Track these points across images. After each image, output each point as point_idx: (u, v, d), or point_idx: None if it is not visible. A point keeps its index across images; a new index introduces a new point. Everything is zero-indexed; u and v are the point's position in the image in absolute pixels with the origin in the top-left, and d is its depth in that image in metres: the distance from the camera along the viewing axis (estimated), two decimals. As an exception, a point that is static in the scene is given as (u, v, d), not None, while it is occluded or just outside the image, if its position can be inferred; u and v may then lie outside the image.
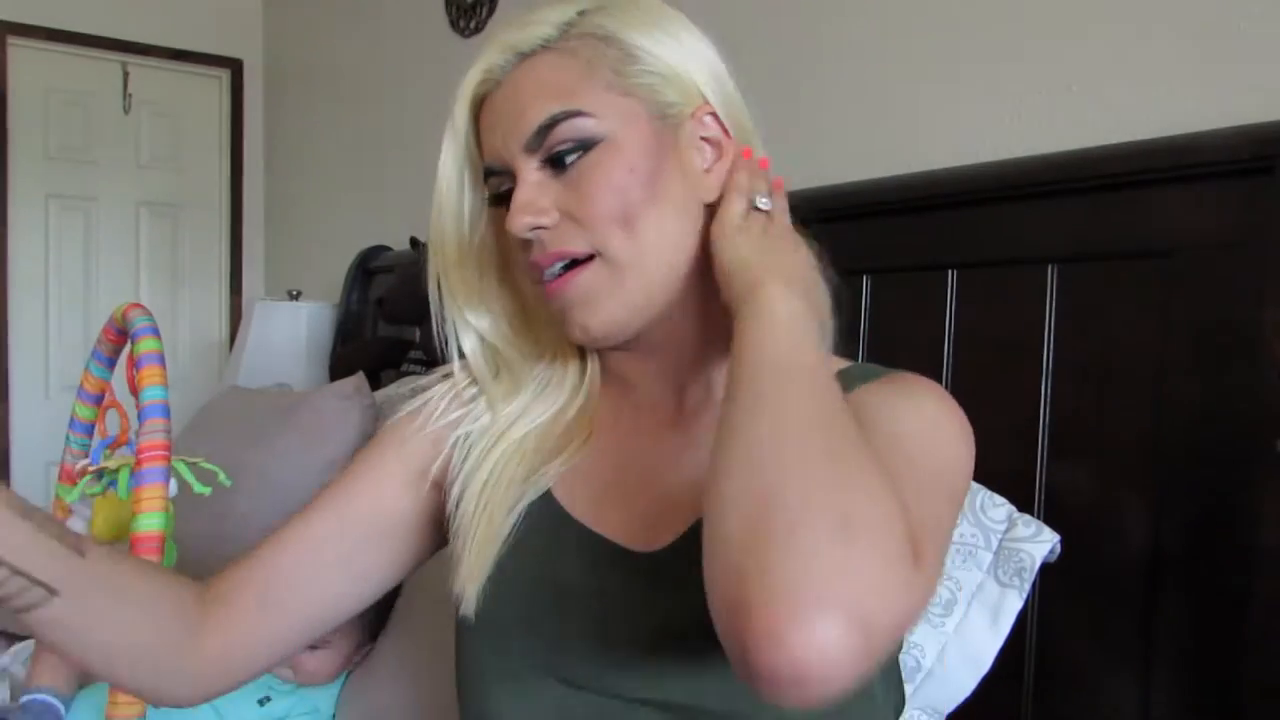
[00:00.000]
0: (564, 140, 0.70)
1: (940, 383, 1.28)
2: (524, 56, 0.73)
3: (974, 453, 0.71)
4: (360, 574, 0.81)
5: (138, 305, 1.00)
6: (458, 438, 0.80)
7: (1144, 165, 1.09)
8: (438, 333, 0.80)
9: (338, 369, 2.48)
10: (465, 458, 0.79)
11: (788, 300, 0.63)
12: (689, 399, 0.78)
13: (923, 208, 1.32)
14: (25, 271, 3.29)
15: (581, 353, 0.82)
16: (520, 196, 0.70)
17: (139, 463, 0.93)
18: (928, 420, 0.69)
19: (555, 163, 0.71)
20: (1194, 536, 1.05)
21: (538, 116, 0.70)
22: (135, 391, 0.98)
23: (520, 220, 0.70)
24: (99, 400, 1.19)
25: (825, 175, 1.49)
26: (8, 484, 2.74)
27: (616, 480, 0.77)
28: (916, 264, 1.33)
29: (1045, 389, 1.19)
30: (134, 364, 0.98)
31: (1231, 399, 1.02)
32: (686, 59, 0.74)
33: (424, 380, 0.86)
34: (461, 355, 0.81)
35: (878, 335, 1.38)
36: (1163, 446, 1.08)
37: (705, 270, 0.73)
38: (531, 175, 0.71)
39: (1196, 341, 1.05)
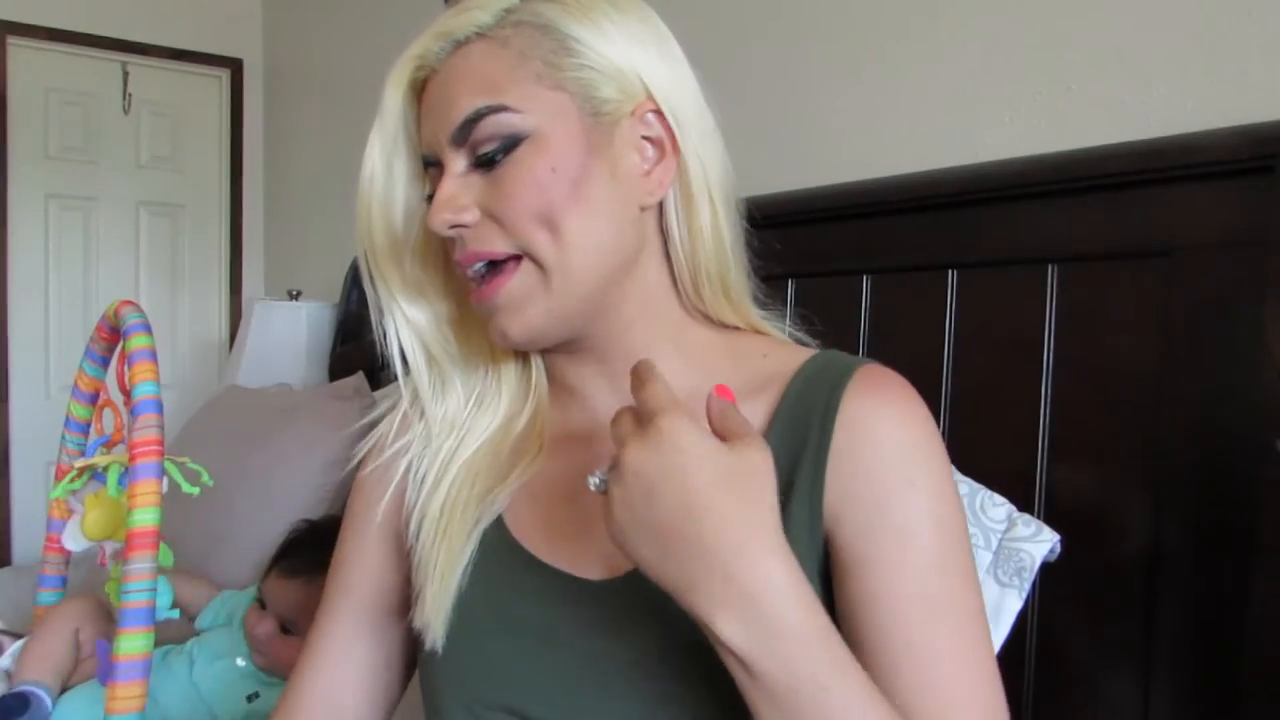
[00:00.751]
0: (489, 137, 0.67)
1: (940, 383, 1.30)
2: (458, 44, 0.69)
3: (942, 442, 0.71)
4: (399, 642, 0.81)
5: (129, 302, 1.00)
6: (409, 464, 0.78)
7: (1144, 165, 1.09)
8: (378, 333, 0.78)
9: (338, 369, 2.48)
10: (420, 486, 0.76)
11: (745, 639, 0.53)
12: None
13: (923, 208, 1.32)
14: (25, 271, 3.29)
15: (523, 361, 0.78)
16: (441, 193, 0.68)
17: (133, 458, 0.93)
18: (936, 494, 0.67)
19: (481, 162, 0.68)
20: (1194, 536, 1.05)
21: (463, 110, 0.67)
22: (124, 389, 0.98)
23: (439, 217, 0.67)
24: (94, 399, 1.19)
25: (825, 175, 1.49)
26: (8, 484, 2.74)
27: (567, 503, 0.73)
28: (916, 264, 1.33)
29: (1045, 389, 1.19)
30: (125, 360, 0.98)
31: (1231, 399, 1.02)
32: (631, 52, 0.69)
33: (373, 415, 0.83)
34: (408, 371, 0.78)
35: (878, 335, 1.38)
36: (1163, 446, 1.07)
37: (641, 273, 0.71)
38: (457, 170, 0.68)
39: (1196, 342, 1.05)
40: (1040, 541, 1.07)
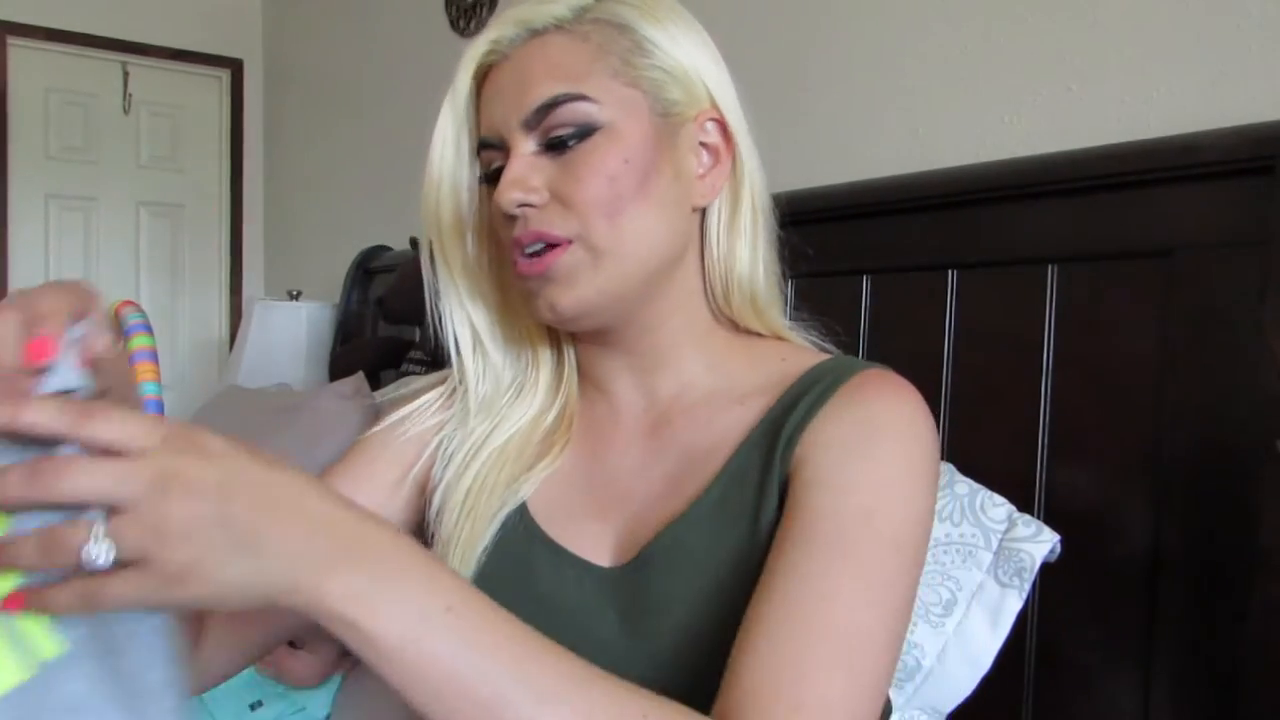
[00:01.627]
0: (564, 123, 0.69)
1: (940, 383, 1.30)
2: (535, 33, 0.72)
3: (938, 464, 0.71)
4: None
5: (130, 302, 0.99)
6: (440, 441, 0.80)
7: (1144, 165, 1.09)
8: (432, 315, 0.80)
9: (338, 369, 2.48)
10: (447, 464, 0.78)
11: (358, 605, 0.50)
12: (660, 401, 0.78)
13: (923, 208, 1.32)
14: (25, 271, 3.29)
15: (558, 354, 0.81)
16: (512, 171, 0.69)
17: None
18: (897, 474, 0.67)
19: (553, 145, 0.70)
20: (1194, 536, 1.05)
21: (541, 95, 0.69)
22: (124, 389, 0.97)
23: (510, 195, 0.69)
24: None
25: (825, 175, 1.49)
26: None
27: (589, 492, 0.77)
28: (916, 264, 1.33)
29: (1045, 389, 1.19)
30: (127, 361, 0.97)
31: (1231, 399, 1.02)
32: (697, 59, 0.74)
33: (422, 381, 0.86)
34: (457, 351, 0.80)
35: (878, 335, 1.38)
36: (1163, 446, 1.07)
37: (682, 274, 0.74)
38: (526, 152, 0.70)
39: (1196, 342, 1.05)
40: (1040, 542, 1.07)
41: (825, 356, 0.78)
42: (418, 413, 0.82)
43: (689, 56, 0.73)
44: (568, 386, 0.80)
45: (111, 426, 0.47)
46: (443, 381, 0.84)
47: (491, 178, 0.73)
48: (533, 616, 0.71)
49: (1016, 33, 1.34)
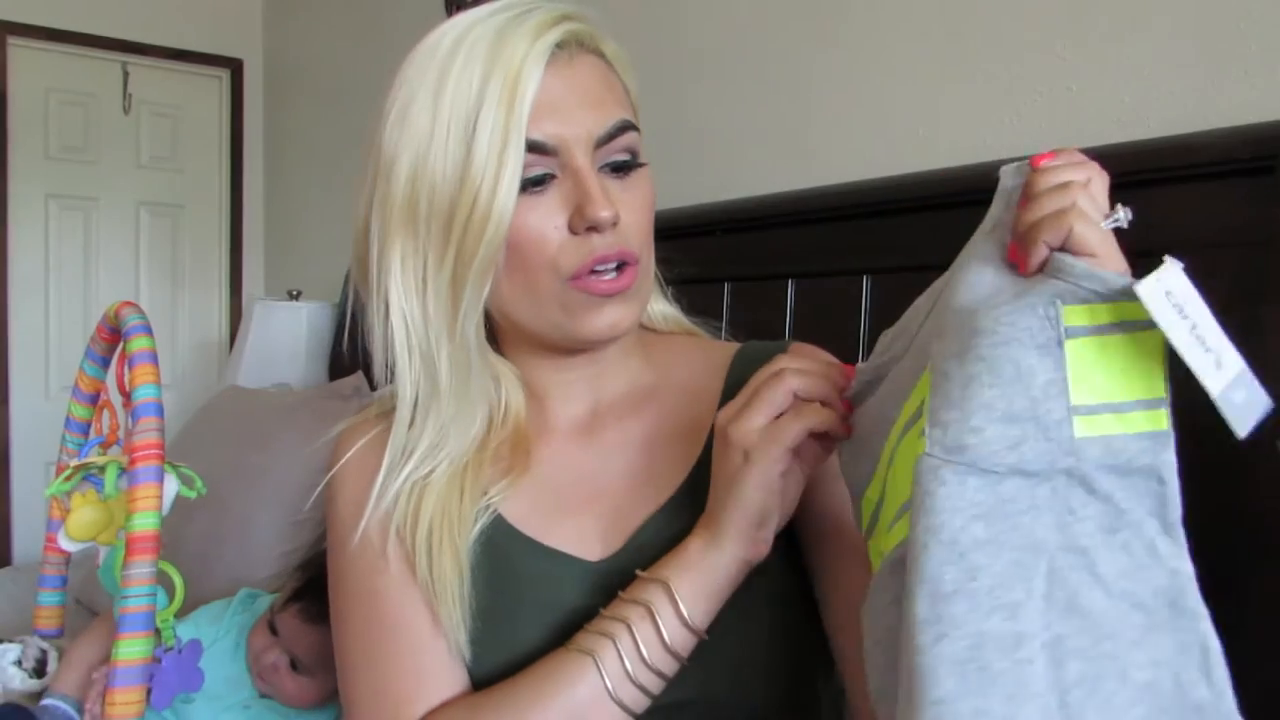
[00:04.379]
0: (625, 148, 0.72)
1: (940, 383, 1.29)
2: (582, 48, 0.72)
3: None
4: None
5: (130, 304, 0.99)
6: (383, 488, 0.75)
7: (1144, 165, 1.09)
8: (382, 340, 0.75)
9: (337, 369, 2.48)
10: (406, 508, 0.75)
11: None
12: (604, 402, 0.80)
13: (923, 208, 1.31)
14: (25, 271, 3.29)
15: (496, 378, 0.78)
16: (597, 186, 0.68)
17: (132, 462, 0.92)
18: None
19: (618, 168, 0.72)
20: (1194, 536, 1.05)
21: (614, 115, 0.70)
22: (123, 390, 0.97)
23: (609, 210, 0.68)
24: (94, 399, 1.19)
25: (825, 175, 1.49)
26: (7, 484, 2.73)
27: (559, 494, 0.77)
28: (916, 264, 1.32)
29: (1045, 389, 1.19)
30: (126, 362, 0.97)
31: (1232, 399, 1.02)
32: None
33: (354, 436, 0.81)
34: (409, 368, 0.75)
35: (878, 335, 1.38)
36: (1163, 447, 1.07)
37: None
38: (590, 168, 0.69)
39: (1196, 342, 1.05)
40: (1040, 542, 1.07)
41: (736, 344, 0.85)
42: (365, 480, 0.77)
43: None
44: (511, 409, 0.78)
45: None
46: (371, 429, 0.80)
47: (531, 185, 0.68)
48: (530, 619, 0.72)
49: (1016, 33, 1.34)
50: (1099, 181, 0.55)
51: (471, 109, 0.67)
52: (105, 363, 1.17)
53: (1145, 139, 1.12)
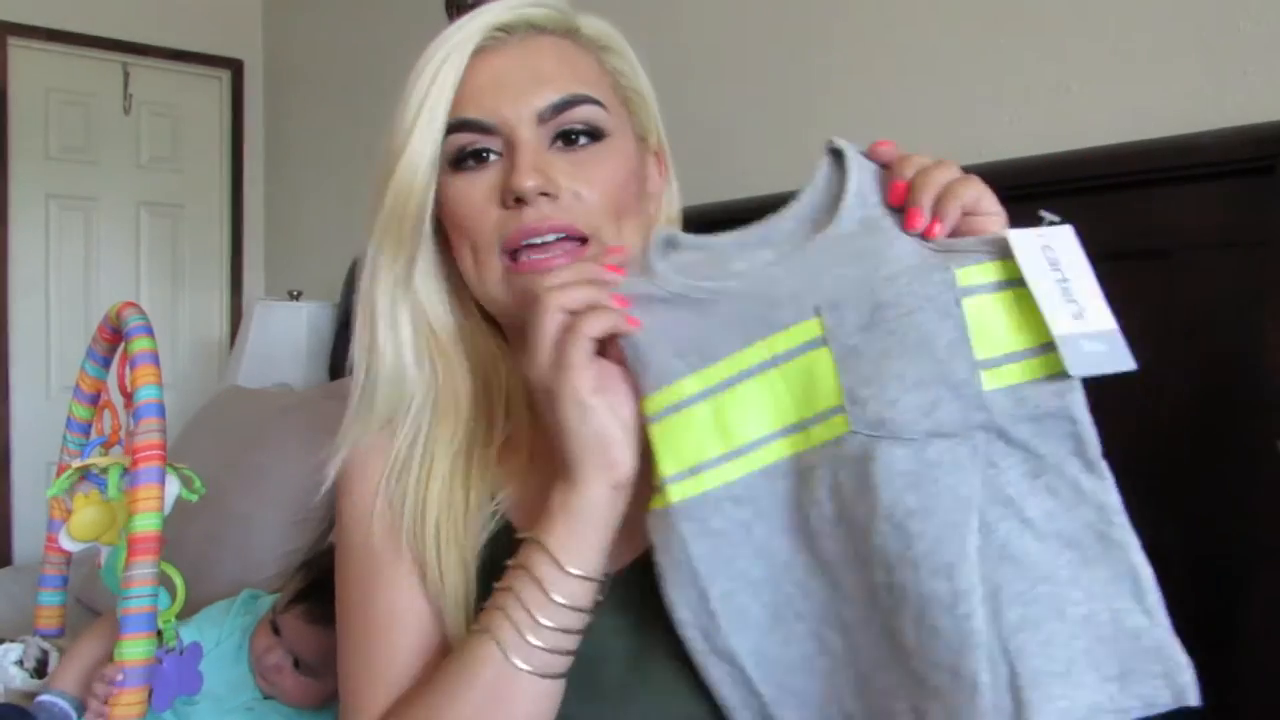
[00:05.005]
0: (579, 121, 0.70)
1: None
2: (537, 30, 0.72)
3: None
4: None
5: (131, 304, 0.99)
6: (384, 487, 0.75)
7: (1144, 165, 1.09)
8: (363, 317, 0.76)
9: (337, 369, 2.48)
10: (410, 509, 0.74)
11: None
12: None
13: (922, 208, 1.31)
14: (25, 271, 3.29)
15: (482, 367, 0.77)
16: (528, 158, 0.68)
17: (134, 463, 0.92)
18: None
19: (565, 138, 0.70)
20: (1194, 537, 1.05)
21: (561, 90, 0.70)
22: (125, 391, 0.97)
23: (532, 180, 0.67)
24: (95, 400, 1.19)
25: (825, 175, 1.49)
26: (8, 484, 2.73)
27: None
28: (916, 264, 1.33)
29: (1045, 389, 1.19)
30: (127, 363, 0.97)
31: (1231, 399, 1.02)
32: (650, 90, 0.78)
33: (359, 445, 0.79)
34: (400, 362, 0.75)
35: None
36: (1162, 446, 1.07)
37: None
38: (536, 143, 0.69)
39: (1196, 342, 1.05)
40: (1040, 542, 1.07)
41: None
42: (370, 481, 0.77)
43: (647, 87, 0.77)
44: (514, 412, 0.77)
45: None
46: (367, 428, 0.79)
47: (461, 161, 0.70)
48: None
49: (1017, 33, 1.34)
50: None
51: (414, 102, 0.71)
52: (106, 363, 1.17)
53: (1145, 139, 1.12)
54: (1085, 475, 0.53)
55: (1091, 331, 0.51)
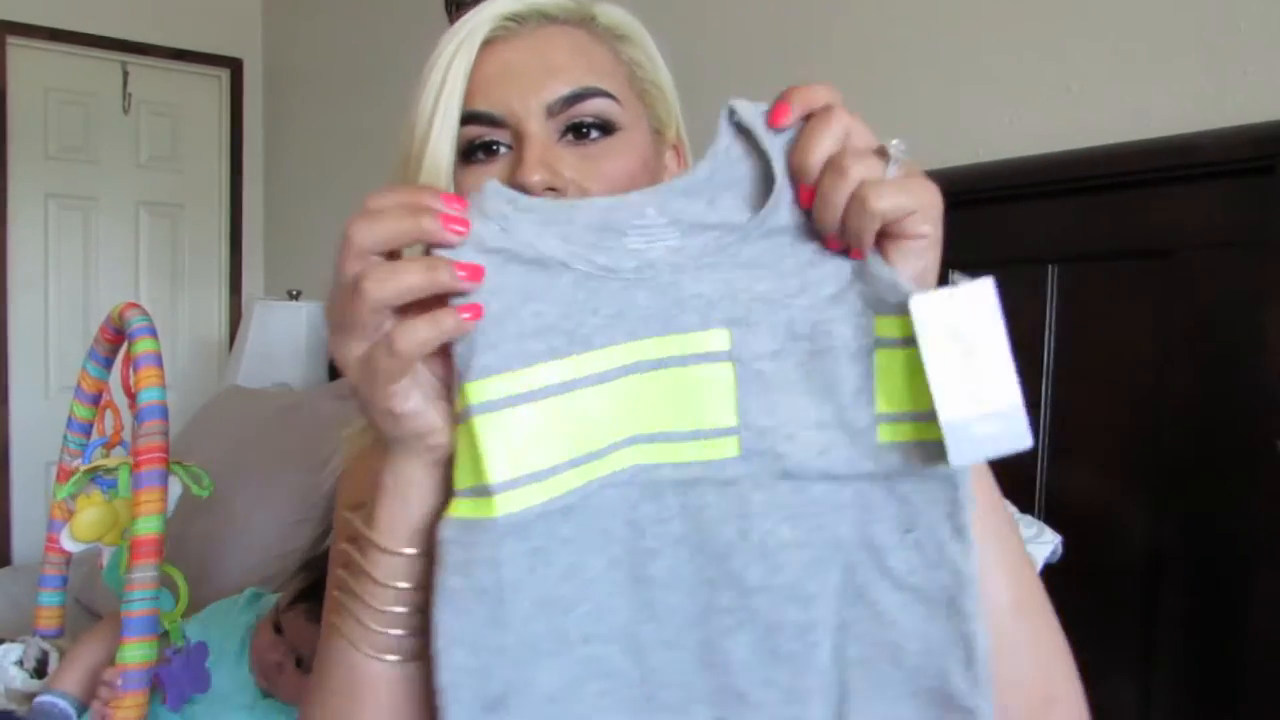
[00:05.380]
0: (590, 114, 0.68)
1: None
2: (549, 19, 0.70)
3: None
4: None
5: (134, 305, 0.99)
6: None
7: (1144, 165, 1.09)
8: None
9: (338, 369, 2.48)
10: None
11: None
12: None
13: (922, 208, 1.32)
14: (25, 271, 3.29)
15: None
16: (535, 151, 0.66)
17: (137, 465, 0.92)
18: None
19: (575, 131, 0.68)
20: (1194, 536, 1.05)
21: (571, 82, 0.67)
22: (129, 392, 0.97)
23: (539, 174, 0.66)
24: (96, 400, 1.19)
25: (825, 175, 1.49)
26: (7, 484, 2.72)
27: None
28: (916, 264, 1.33)
29: (1045, 389, 1.19)
30: (131, 364, 0.97)
31: (1231, 399, 1.02)
32: (670, 83, 0.75)
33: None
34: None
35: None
36: (1162, 446, 1.07)
37: None
38: (545, 136, 0.67)
39: (1196, 342, 1.05)
40: (1042, 543, 1.07)
41: None
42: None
43: (666, 78, 0.75)
44: None
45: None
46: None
47: (470, 154, 0.69)
48: None
49: (1016, 33, 1.34)
50: (856, 125, 0.54)
51: (429, 98, 0.68)
52: (108, 363, 1.17)
53: (1145, 139, 1.12)
54: (952, 540, 0.52)
55: (988, 411, 0.50)
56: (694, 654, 0.54)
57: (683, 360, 0.53)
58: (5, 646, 1.29)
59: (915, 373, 0.51)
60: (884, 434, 0.52)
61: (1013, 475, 1.17)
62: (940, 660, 0.53)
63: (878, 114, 1.50)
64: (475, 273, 0.50)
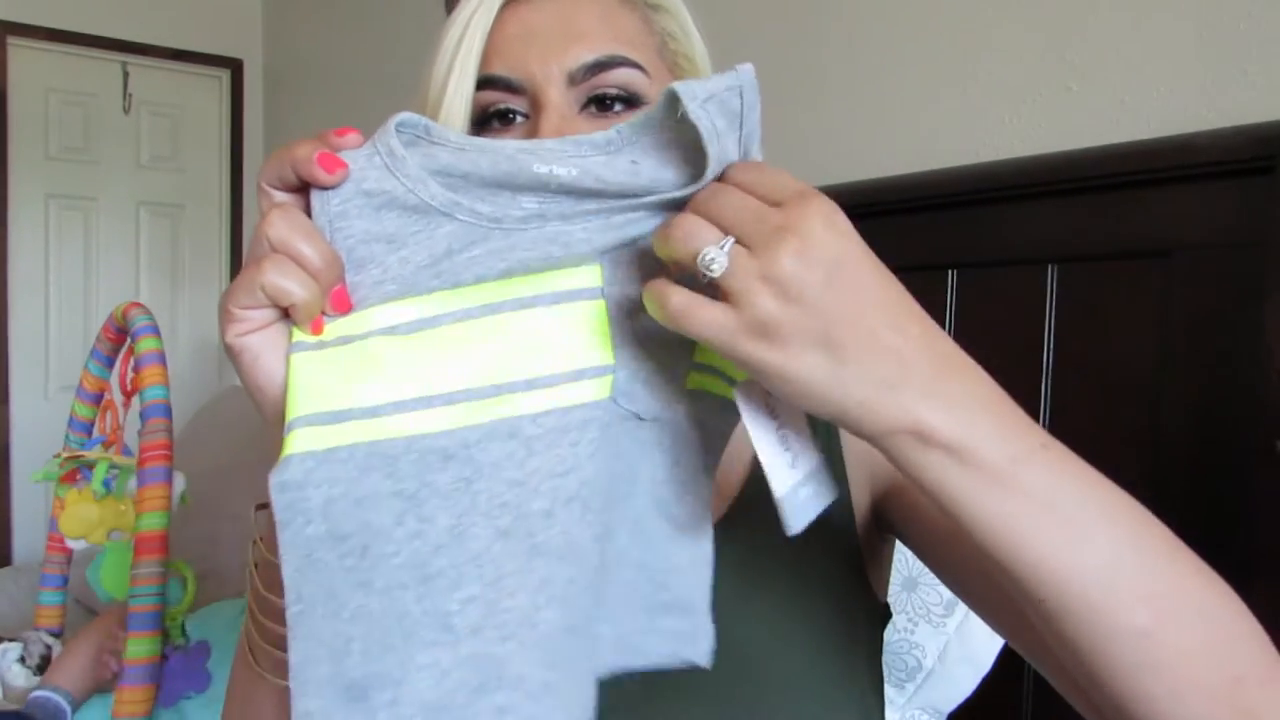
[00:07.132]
0: (615, 85, 0.63)
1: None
2: None
3: None
4: None
5: (138, 304, 1.00)
6: None
7: (1144, 165, 1.09)
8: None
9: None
10: None
11: (963, 425, 0.47)
12: None
13: (923, 208, 1.32)
14: (25, 271, 3.29)
15: None
16: (553, 123, 0.61)
17: (141, 462, 0.93)
18: None
19: (598, 103, 0.63)
20: (1193, 536, 1.05)
21: (597, 50, 0.62)
22: (126, 391, 0.98)
23: None
24: (98, 399, 1.19)
25: (826, 175, 1.49)
26: (8, 484, 2.73)
27: None
28: (916, 264, 1.33)
29: (1045, 389, 1.19)
30: (133, 363, 0.97)
31: (1231, 399, 1.02)
32: (704, 56, 0.70)
33: None
34: None
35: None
36: (1162, 446, 1.08)
37: None
38: (562, 105, 0.62)
39: (1196, 342, 1.05)
40: (1041, 541, 1.07)
41: None
42: None
43: (701, 51, 0.70)
44: None
45: (764, 174, 0.50)
46: None
47: (485, 121, 0.64)
48: None
49: (1016, 33, 1.34)
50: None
51: (444, 62, 0.64)
52: (110, 362, 1.17)
53: (1145, 139, 1.13)
54: (702, 476, 0.56)
55: (803, 475, 0.50)
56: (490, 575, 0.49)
57: (560, 295, 0.50)
58: (4, 646, 1.29)
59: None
60: (691, 381, 0.55)
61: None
62: (678, 577, 0.56)
63: (878, 114, 1.50)
64: (332, 164, 0.52)
